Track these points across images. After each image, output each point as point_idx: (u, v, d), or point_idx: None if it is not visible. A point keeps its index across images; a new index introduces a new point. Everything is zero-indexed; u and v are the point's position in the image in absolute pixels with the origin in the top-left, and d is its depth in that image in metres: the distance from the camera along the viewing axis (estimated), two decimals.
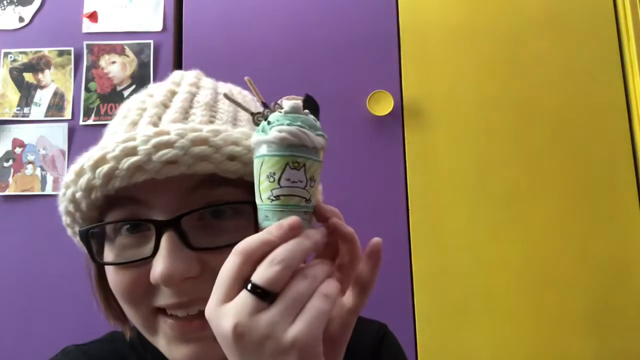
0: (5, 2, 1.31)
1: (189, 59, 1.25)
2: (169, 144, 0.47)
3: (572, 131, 1.21)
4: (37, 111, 1.25)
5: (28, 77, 1.27)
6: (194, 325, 0.49)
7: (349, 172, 1.20)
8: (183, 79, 0.59)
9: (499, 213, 1.18)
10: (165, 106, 0.55)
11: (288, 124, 0.44)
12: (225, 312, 0.39)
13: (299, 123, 0.44)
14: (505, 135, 1.21)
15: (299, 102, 0.46)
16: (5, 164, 1.23)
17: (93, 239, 0.52)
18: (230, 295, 0.39)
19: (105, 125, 1.32)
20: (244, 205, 0.50)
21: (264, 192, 0.44)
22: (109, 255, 0.52)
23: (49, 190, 1.21)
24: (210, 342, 0.46)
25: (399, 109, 1.22)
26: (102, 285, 0.57)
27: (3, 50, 1.27)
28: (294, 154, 0.44)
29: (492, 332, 1.14)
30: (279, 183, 0.43)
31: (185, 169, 0.48)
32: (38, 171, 1.22)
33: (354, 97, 1.22)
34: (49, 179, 1.21)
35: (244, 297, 0.38)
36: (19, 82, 1.26)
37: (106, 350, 0.66)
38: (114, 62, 1.26)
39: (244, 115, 0.59)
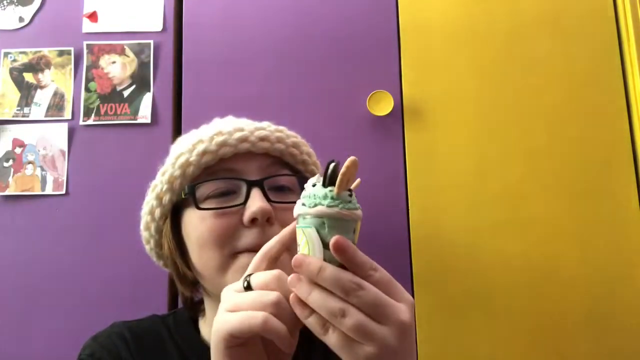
0: (5, 2, 1.31)
1: (189, 59, 1.25)
2: (263, 128, 0.77)
3: (572, 131, 1.21)
4: (37, 111, 1.25)
5: (28, 77, 1.27)
6: None
7: None
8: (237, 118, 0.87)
9: (499, 213, 1.18)
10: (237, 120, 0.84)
11: (301, 202, 0.58)
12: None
13: (302, 200, 0.57)
14: (505, 135, 1.21)
15: (313, 180, 0.58)
16: (5, 164, 1.23)
17: (184, 202, 0.75)
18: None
19: (105, 125, 1.31)
20: (296, 183, 0.77)
21: None
22: (199, 212, 0.72)
23: (49, 190, 1.21)
24: None
25: (399, 109, 1.22)
26: (182, 256, 0.76)
27: (3, 50, 1.27)
28: (303, 224, 0.56)
29: (492, 331, 1.14)
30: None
31: (269, 145, 0.76)
32: (38, 171, 1.22)
33: (354, 97, 1.22)
34: (49, 179, 1.21)
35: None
36: (19, 82, 1.26)
37: (146, 327, 0.82)
38: (114, 62, 1.26)
39: None
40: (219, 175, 0.73)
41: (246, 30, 1.27)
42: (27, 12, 1.29)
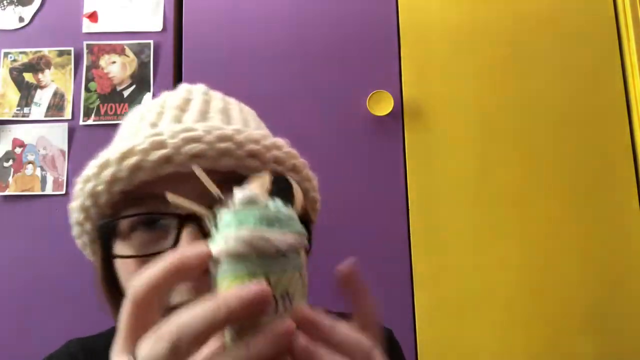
0: (5, 2, 1.31)
1: (189, 59, 1.25)
2: (196, 139, 0.50)
3: (572, 131, 1.21)
4: (37, 111, 1.25)
5: (28, 77, 1.27)
6: None
7: (349, 172, 1.20)
8: (193, 89, 0.62)
9: (498, 213, 1.18)
10: (183, 110, 0.57)
11: (236, 228, 0.32)
12: None
13: (251, 222, 0.32)
14: (505, 135, 1.21)
15: (252, 191, 0.34)
16: (5, 164, 1.23)
17: (107, 236, 0.54)
18: (127, 348, 0.33)
19: (105, 125, 1.31)
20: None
21: None
22: (124, 252, 0.53)
23: (49, 190, 1.21)
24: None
25: (399, 109, 1.22)
26: (110, 288, 0.57)
27: (3, 50, 1.27)
28: (248, 269, 0.32)
29: (492, 332, 1.14)
30: None
31: (209, 164, 0.50)
32: (38, 171, 1.22)
33: (354, 97, 1.22)
34: (49, 179, 1.21)
35: None
36: (19, 82, 1.26)
37: (104, 342, 0.63)
38: (114, 62, 1.26)
39: (253, 122, 0.60)
40: (142, 202, 0.52)
41: (246, 31, 1.27)
42: (27, 12, 1.29)
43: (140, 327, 0.33)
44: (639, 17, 1.23)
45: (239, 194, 0.34)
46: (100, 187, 0.52)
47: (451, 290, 1.15)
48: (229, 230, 0.33)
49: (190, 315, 0.30)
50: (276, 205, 0.34)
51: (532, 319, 1.14)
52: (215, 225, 0.34)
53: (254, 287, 0.30)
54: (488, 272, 1.15)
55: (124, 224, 0.53)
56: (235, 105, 0.61)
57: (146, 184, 0.51)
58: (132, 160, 0.50)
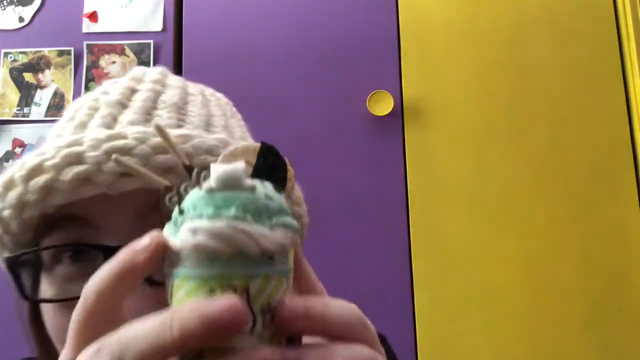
0: (5, 2, 1.31)
1: (189, 59, 1.25)
2: (125, 151, 0.38)
3: (572, 131, 1.21)
4: (37, 111, 1.25)
5: (28, 77, 1.27)
6: None
7: (349, 172, 1.20)
8: (145, 75, 0.49)
9: (498, 213, 1.18)
10: (123, 106, 0.45)
11: (211, 216, 0.24)
12: None
13: (232, 211, 0.24)
14: (505, 135, 1.21)
15: (236, 167, 0.24)
16: (6, 164, 1.23)
17: (25, 269, 0.43)
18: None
19: None
20: None
21: None
22: (47, 289, 0.42)
23: None
24: None
25: (399, 109, 1.22)
26: (38, 329, 0.46)
27: (3, 50, 1.27)
28: (220, 273, 0.23)
29: (492, 332, 1.14)
30: None
31: (145, 183, 0.37)
32: None
33: (354, 97, 1.22)
34: None
35: None
36: (19, 82, 1.26)
37: None
38: (114, 62, 1.26)
39: (219, 119, 0.48)
40: (64, 227, 0.41)
41: (246, 31, 1.27)
42: (27, 12, 1.29)
43: (91, 337, 0.25)
44: (639, 17, 1.23)
45: (219, 168, 0.24)
46: (6, 213, 0.41)
47: (451, 290, 1.15)
48: (199, 219, 0.24)
49: (138, 329, 0.23)
50: (266, 189, 0.25)
51: (532, 319, 1.14)
52: (180, 209, 0.25)
53: (224, 301, 0.22)
54: (488, 272, 1.16)
55: (45, 253, 0.42)
56: (197, 97, 0.49)
57: (67, 205, 0.40)
58: (41, 179, 0.39)
